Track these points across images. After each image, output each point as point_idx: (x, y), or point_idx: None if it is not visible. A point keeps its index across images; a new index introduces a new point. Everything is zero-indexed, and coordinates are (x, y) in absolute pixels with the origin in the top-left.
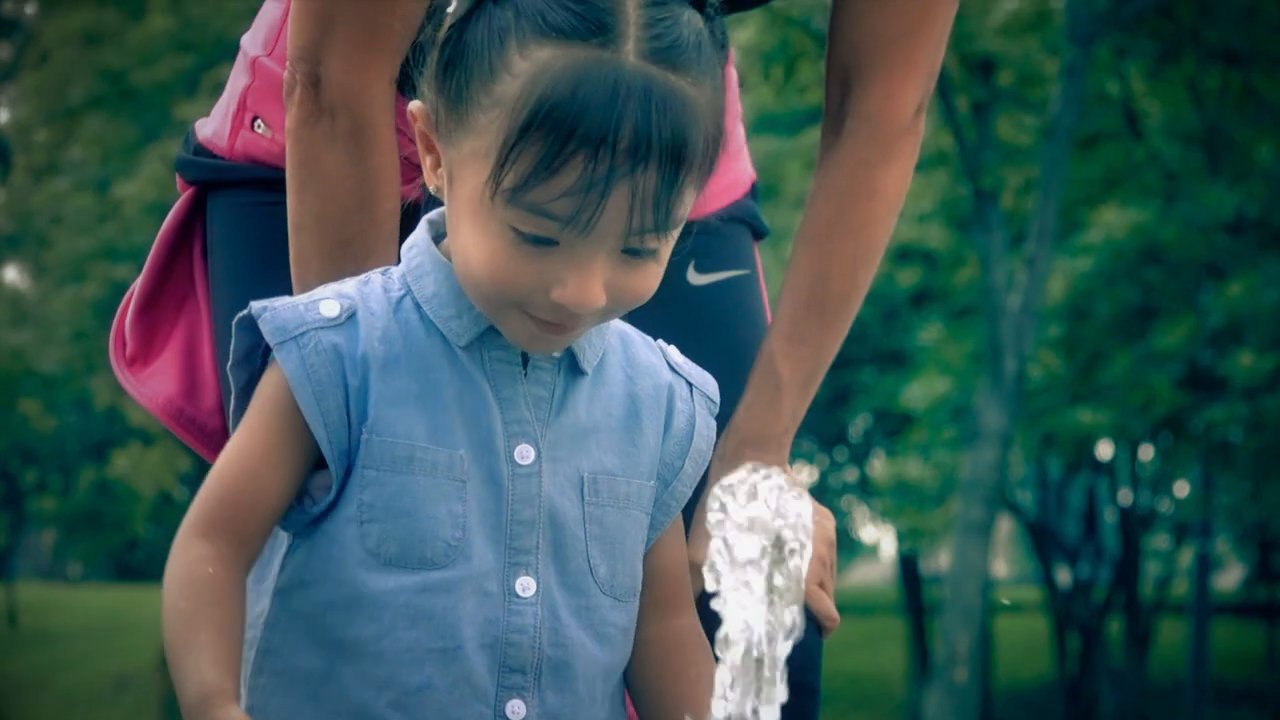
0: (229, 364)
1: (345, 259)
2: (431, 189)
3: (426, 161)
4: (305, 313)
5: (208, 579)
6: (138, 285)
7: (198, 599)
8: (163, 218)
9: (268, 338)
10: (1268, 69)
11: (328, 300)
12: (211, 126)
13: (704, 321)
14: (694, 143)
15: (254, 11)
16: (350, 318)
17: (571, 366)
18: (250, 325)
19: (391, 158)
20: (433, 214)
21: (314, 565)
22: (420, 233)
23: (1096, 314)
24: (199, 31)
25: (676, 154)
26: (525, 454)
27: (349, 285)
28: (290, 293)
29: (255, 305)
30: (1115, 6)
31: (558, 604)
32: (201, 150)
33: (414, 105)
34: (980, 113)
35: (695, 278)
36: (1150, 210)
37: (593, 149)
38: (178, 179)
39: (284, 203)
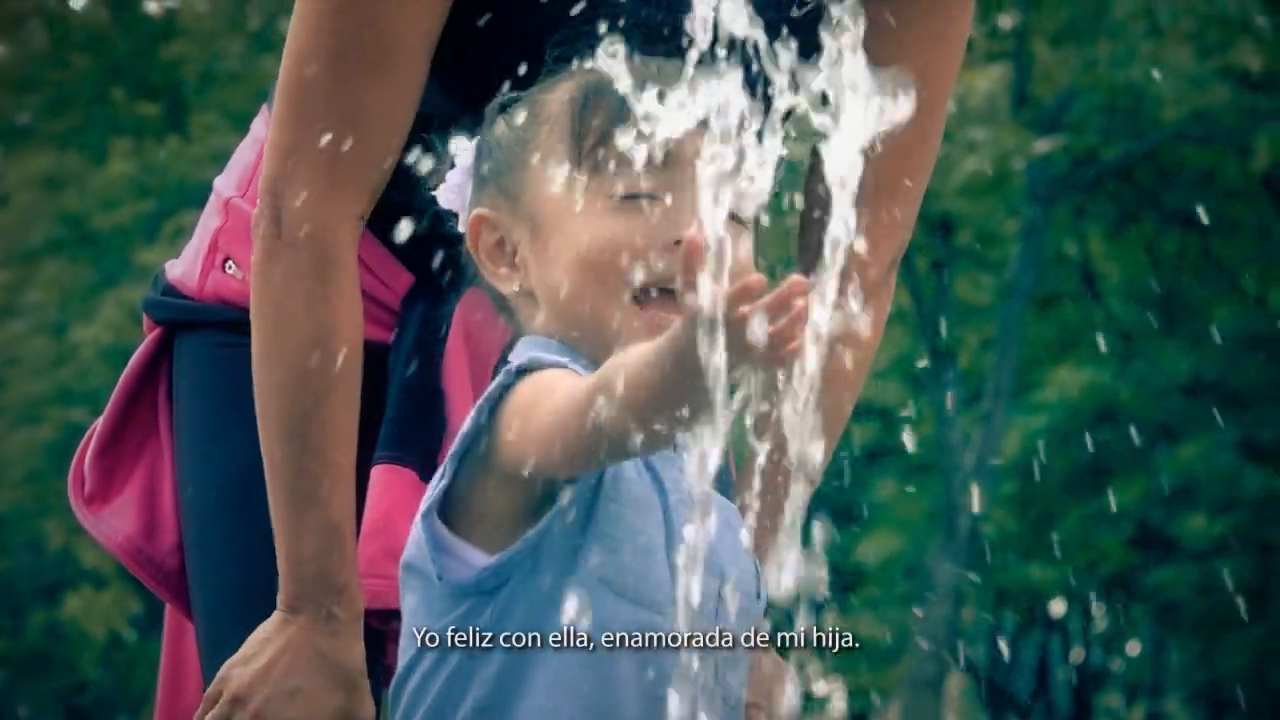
0: (455, 451)
1: (303, 395)
2: (514, 290)
3: (500, 272)
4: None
5: None
6: (99, 424)
7: None
8: (119, 362)
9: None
10: (1225, 233)
11: (552, 357)
12: (181, 267)
13: None
14: None
15: (217, 157)
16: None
17: None
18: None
19: (353, 296)
20: (515, 351)
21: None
22: (536, 345)
23: (1050, 472)
24: (160, 176)
25: None
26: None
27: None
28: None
29: (519, 364)
30: (1074, 169)
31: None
32: (171, 290)
33: (474, 214)
34: (939, 271)
35: None
36: (1106, 370)
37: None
38: (145, 319)
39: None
